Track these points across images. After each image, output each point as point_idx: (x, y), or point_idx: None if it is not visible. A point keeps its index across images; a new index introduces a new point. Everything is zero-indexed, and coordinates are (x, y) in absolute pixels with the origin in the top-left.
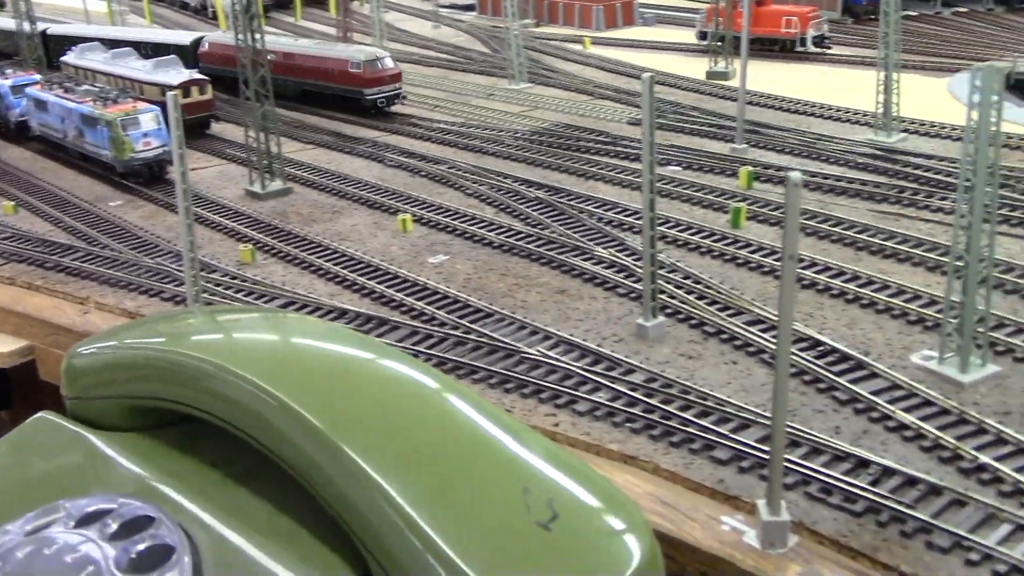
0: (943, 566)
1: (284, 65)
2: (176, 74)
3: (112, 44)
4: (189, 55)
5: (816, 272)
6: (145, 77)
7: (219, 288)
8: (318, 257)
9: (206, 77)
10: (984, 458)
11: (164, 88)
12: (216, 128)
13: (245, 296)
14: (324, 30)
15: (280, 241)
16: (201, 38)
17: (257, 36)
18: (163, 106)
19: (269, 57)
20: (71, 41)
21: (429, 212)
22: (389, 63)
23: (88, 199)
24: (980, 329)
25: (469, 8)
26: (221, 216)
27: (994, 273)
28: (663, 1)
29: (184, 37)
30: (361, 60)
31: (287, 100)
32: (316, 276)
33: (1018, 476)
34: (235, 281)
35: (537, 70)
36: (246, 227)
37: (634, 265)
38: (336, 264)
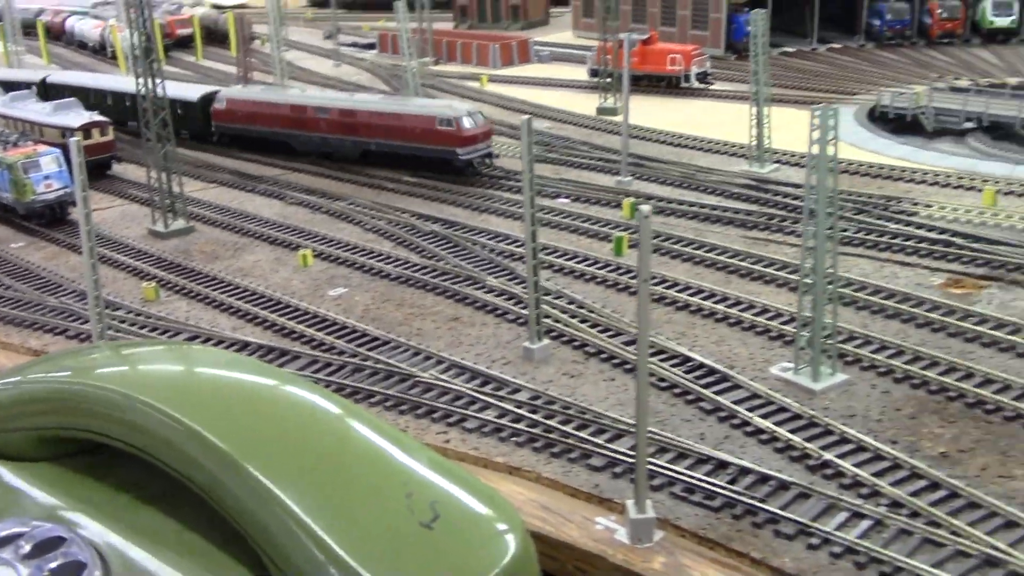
0: (788, 550)
1: (341, 123)
2: (76, 116)
3: (60, 91)
4: (197, 112)
5: (690, 295)
6: (45, 120)
7: (124, 325)
8: (221, 293)
9: (107, 119)
10: (828, 455)
11: (65, 130)
12: (118, 169)
13: (150, 332)
14: (226, 69)
15: (183, 278)
16: (214, 93)
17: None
18: (64, 148)
19: (322, 115)
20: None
21: (329, 247)
22: (480, 118)
23: None
24: (829, 341)
25: (370, 47)
26: (125, 255)
27: (847, 290)
28: (558, 39)
29: (190, 92)
30: (451, 116)
31: (344, 162)
32: (219, 311)
33: (856, 470)
34: (139, 318)
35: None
36: (150, 265)
37: (523, 293)
38: (239, 299)
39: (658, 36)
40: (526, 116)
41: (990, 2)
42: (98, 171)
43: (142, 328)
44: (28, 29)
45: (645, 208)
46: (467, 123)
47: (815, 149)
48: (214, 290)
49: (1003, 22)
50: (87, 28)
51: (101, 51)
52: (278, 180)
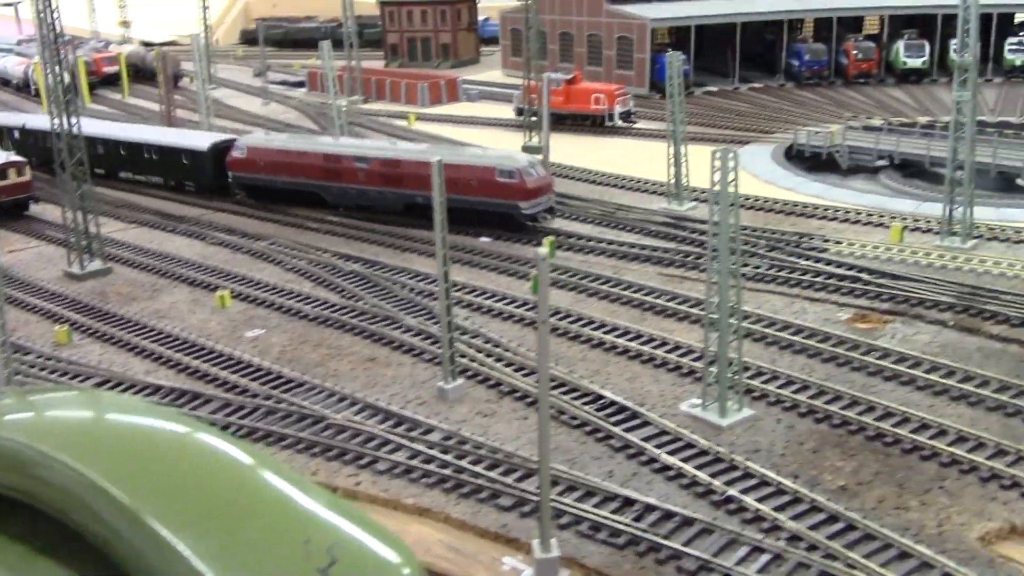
0: None
1: (383, 174)
2: None
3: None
4: (208, 163)
5: (605, 332)
6: None
7: (33, 369)
8: (136, 335)
9: (23, 159)
10: (731, 491)
11: None
12: (36, 209)
13: (59, 377)
14: (153, 107)
15: (98, 321)
16: (228, 142)
17: (74, 119)
18: None
19: (360, 165)
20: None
21: (248, 288)
22: (542, 169)
23: None
24: (735, 377)
25: (299, 85)
26: (38, 298)
27: (756, 326)
28: (488, 78)
29: (198, 140)
30: (514, 168)
31: (386, 214)
32: (133, 354)
33: (758, 505)
34: (49, 362)
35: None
36: (64, 308)
37: (439, 332)
38: (153, 342)
39: (582, 76)
40: (437, 159)
41: (902, 44)
42: (16, 211)
43: (52, 373)
44: None
45: (542, 251)
46: (530, 174)
47: (716, 187)
48: (129, 333)
49: (915, 63)
50: (11, 65)
51: (25, 88)
52: (200, 220)
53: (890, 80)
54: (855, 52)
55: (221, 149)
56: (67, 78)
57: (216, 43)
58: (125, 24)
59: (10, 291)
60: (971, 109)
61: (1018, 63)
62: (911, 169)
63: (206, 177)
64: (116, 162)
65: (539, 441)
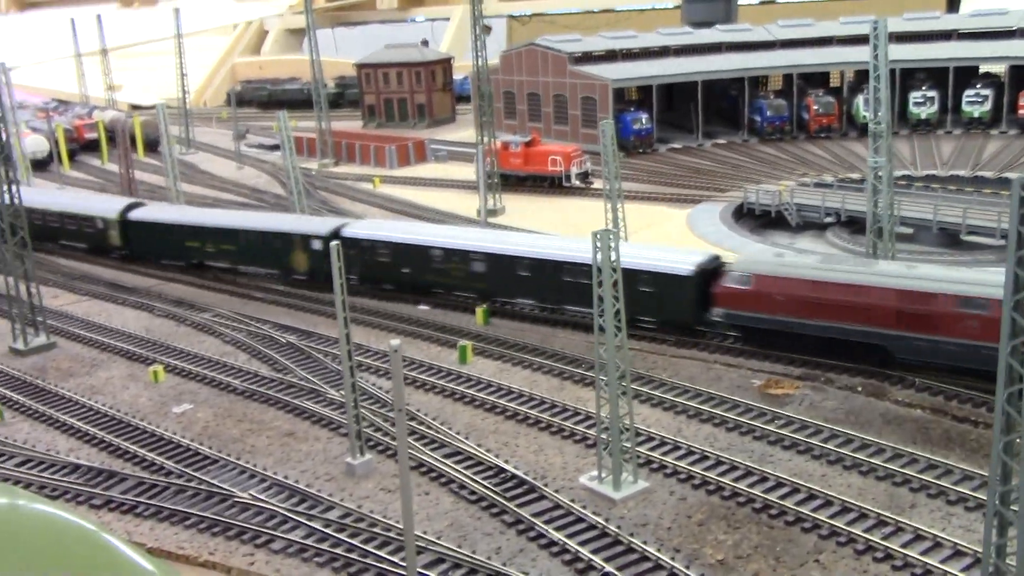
0: None
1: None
2: None
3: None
4: (690, 291)
5: (520, 403)
6: None
7: None
8: (66, 413)
9: None
10: (609, 567)
11: None
12: None
13: None
14: (141, 175)
15: (32, 398)
16: (715, 264)
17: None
18: None
19: (970, 310)
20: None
21: (184, 361)
22: None
23: None
24: (627, 444)
25: (275, 148)
26: None
27: (668, 395)
28: (463, 137)
29: (675, 260)
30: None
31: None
32: (60, 432)
33: None
34: None
35: (321, 210)
36: (1, 386)
37: (362, 406)
38: (81, 419)
39: (540, 138)
40: (333, 244)
41: (862, 98)
42: None
43: None
44: None
45: (394, 343)
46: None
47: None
48: (60, 411)
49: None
50: None
51: None
52: (151, 291)
53: (852, 133)
54: (816, 107)
55: (707, 274)
56: (46, 145)
57: (204, 104)
58: (112, 88)
59: None
60: (887, 173)
61: (923, 116)
62: (858, 226)
63: (685, 310)
64: (430, 275)
65: (404, 526)
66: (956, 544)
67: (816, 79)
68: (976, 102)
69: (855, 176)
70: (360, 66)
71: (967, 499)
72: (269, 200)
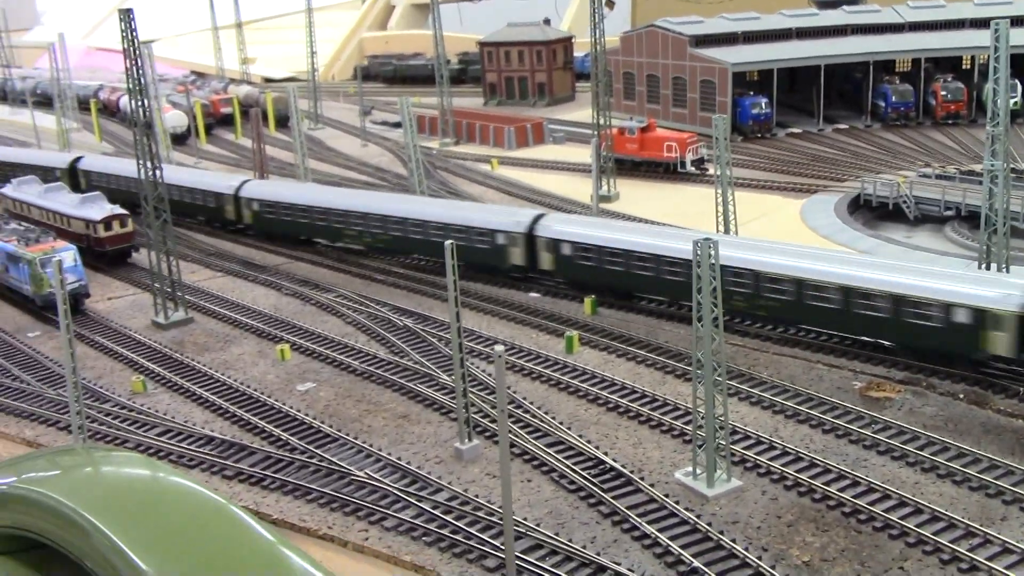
0: None
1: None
2: (99, 209)
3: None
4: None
5: (622, 396)
6: (71, 212)
7: (108, 419)
8: (201, 387)
9: (126, 211)
10: (697, 563)
11: (88, 222)
12: (137, 257)
13: (129, 426)
14: (272, 151)
15: (171, 371)
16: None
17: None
18: (83, 242)
19: None
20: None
21: (308, 341)
22: None
23: (9, 329)
24: (722, 442)
25: (398, 126)
26: (124, 347)
27: (766, 394)
28: (582, 117)
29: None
30: None
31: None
32: (196, 404)
33: None
34: (122, 411)
35: (441, 192)
36: (144, 358)
37: (471, 391)
38: (215, 393)
39: (655, 123)
40: (448, 243)
41: (989, 89)
42: (119, 260)
43: (123, 422)
44: (84, 105)
45: (499, 348)
46: None
47: (700, 276)
48: (195, 384)
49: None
50: None
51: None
52: (280, 270)
53: (981, 120)
54: (943, 92)
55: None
56: (185, 120)
57: (332, 78)
58: (246, 62)
59: (102, 339)
60: (1003, 175)
61: None
62: (978, 221)
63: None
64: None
65: (503, 516)
66: None
67: (945, 63)
68: None
69: (979, 167)
70: (482, 44)
71: None
72: (391, 180)
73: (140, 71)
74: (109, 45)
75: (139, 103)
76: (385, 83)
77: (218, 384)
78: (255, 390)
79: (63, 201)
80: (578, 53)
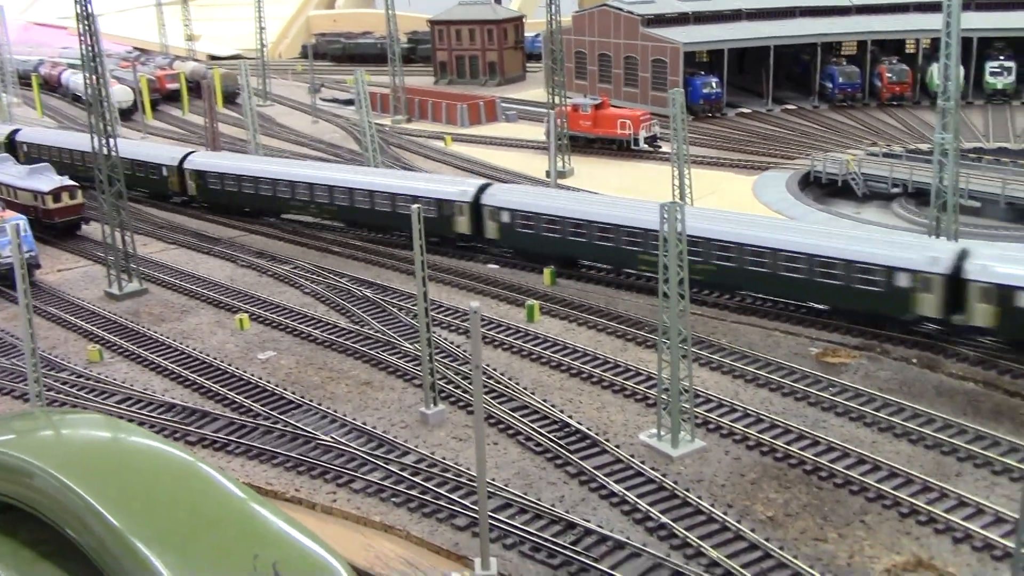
0: None
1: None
2: (48, 181)
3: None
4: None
5: (584, 362)
6: (18, 183)
7: (65, 387)
8: (159, 355)
9: (75, 183)
10: (665, 519)
11: (36, 193)
12: (87, 229)
13: (87, 394)
14: (223, 129)
15: (128, 341)
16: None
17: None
18: (32, 213)
19: None
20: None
21: (267, 311)
22: None
23: None
24: (686, 405)
25: (349, 103)
26: (78, 317)
27: (727, 359)
28: (533, 96)
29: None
30: None
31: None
32: (155, 373)
33: (687, 533)
34: (80, 379)
35: (395, 167)
36: (99, 327)
37: (435, 359)
38: (174, 362)
39: (609, 101)
40: (414, 206)
41: (937, 66)
42: (69, 232)
43: (80, 390)
44: (25, 80)
45: (474, 304)
46: None
47: (666, 229)
48: (154, 352)
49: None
50: (81, 81)
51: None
52: (235, 242)
53: (925, 102)
54: (888, 74)
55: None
56: (131, 95)
57: (279, 56)
58: (192, 39)
59: (54, 310)
60: (953, 150)
61: (999, 86)
62: (925, 198)
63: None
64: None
65: (477, 473)
66: (998, 512)
67: (890, 46)
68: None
69: (925, 147)
70: (433, 22)
71: (1012, 470)
72: (344, 156)
73: (94, 44)
74: (48, 20)
75: (93, 76)
76: (334, 61)
77: (177, 353)
78: (215, 359)
79: (10, 172)
80: (529, 33)
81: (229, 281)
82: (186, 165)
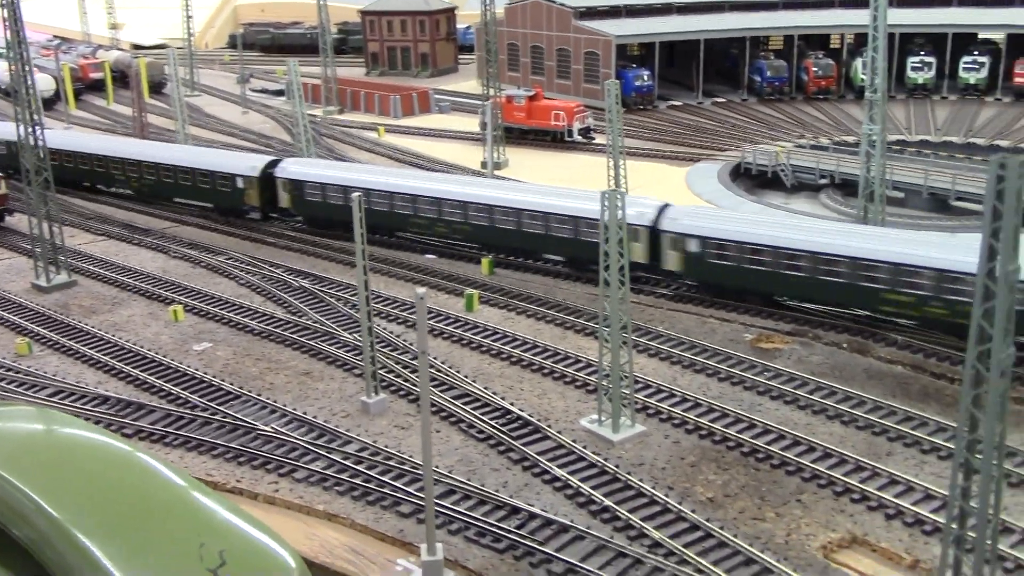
0: None
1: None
2: None
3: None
4: None
5: (525, 350)
6: None
7: None
8: (91, 348)
9: (0, 173)
10: (608, 502)
11: None
12: (11, 221)
13: (17, 387)
14: (150, 119)
15: (58, 333)
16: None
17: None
18: None
19: None
20: None
21: (202, 302)
22: None
23: None
24: (626, 391)
25: (279, 94)
26: (3, 310)
27: (664, 346)
28: (465, 88)
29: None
30: None
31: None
32: (87, 366)
33: (629, 515)
34: (8, 373)
35: (328, 158)
36: (28, 320)
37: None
38: (107, 354)
39: (543, 92)
40: (356, 194)
41: (861, 61)
42: None
43: (10, 383)
44: None
45: (420, 291)
46: None
47: (606, 216)
48: (85, 345)
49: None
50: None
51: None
52: (165, 233)
53: (849, 96)
54: (814, 69)
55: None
56: (52, 84)
57: (206, 46)
58: (115, 27)
59: None
60: (881, 140)
61: (920, 81)
62: (851, 188)
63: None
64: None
65: (423, 459)
66: (927, 488)
67: (816, 41)
68: (973, 69)
69: (850, 139)
70: (364, 13)
71: (940, 448)
72: (275, 146)
73: (19, 31)
74: None
75: (21, 66)
76: (262, 51)
77: (109, 345)
78: (149, 350)
79: None
80: (461, 25)
81: (161, 272)
82: (278, 174)
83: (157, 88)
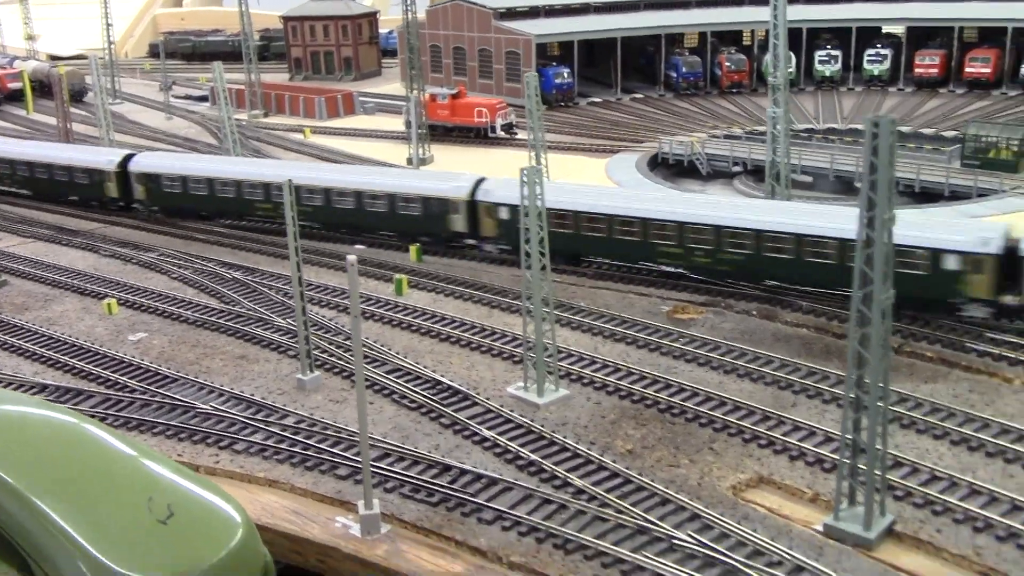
0: (485, 533)
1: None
2: None
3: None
4: None
5: (453, 327)
6: None
7: None
8: (26, 341)
9: None
10: (533, 456)
11: None
12: None
13: None
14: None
15: None
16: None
17: None
18: None
19: None
20: None
21: (135, 296)
22: None
23: None
24: (549, 358)
25: (203, 100)
26: None
27: (586, 319)
28: (389, 90)
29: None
30: None
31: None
32: (23, 358)
33: (555, 467)
34: None
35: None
36: None
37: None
38: (42, 346)
39: (466, 91)
40: (286, 180)
41: (770, 56)
42: None
43: None
44: None
45: (351, 258)
46: None
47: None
48: (19, 339)
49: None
50: None
51: None
52: (94, 234)
53: (762, 89)
54: (728, 64)
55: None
56: None
57: (126, 56)
58: (31, 38)
59: None
60: (784, 123)
61: (827, 73)
62: (763, 174)
63: None
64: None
65: (359, 414)
66: (828, 432)
67: (729, 37)
68: (876, 61)
69: (762, 129)
70: (286, 19)
71: (840, 397)
72: (202, 150)
73: None
74: None
75: None
76: (184, 60)
77: (44, 338)
78: (85, 342)
79: None
80: (383, 30)
81: (93, 270)
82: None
83: (78, 97)
